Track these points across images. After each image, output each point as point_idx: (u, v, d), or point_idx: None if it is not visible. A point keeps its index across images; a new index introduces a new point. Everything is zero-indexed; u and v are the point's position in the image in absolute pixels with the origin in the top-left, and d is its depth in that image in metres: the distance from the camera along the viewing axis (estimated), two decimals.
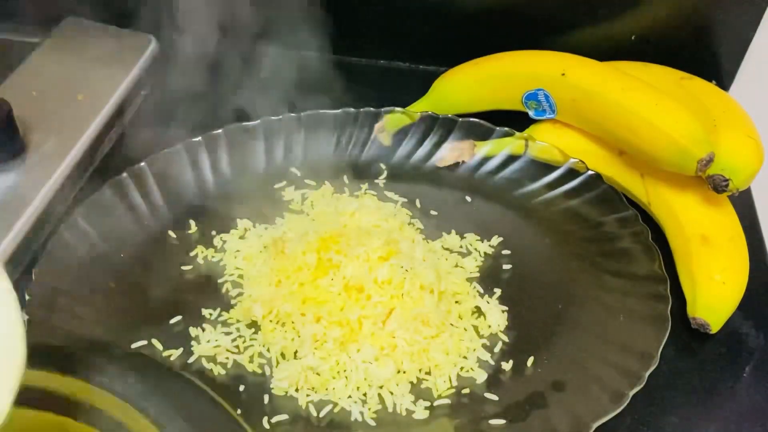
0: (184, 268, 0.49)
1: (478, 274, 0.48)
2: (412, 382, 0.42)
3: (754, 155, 0.48)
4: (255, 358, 0.43)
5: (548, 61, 0.56)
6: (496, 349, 0.44)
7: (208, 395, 0.28)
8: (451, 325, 0.44)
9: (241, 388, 0.42)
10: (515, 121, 0.57)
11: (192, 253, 0.50)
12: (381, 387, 0.42)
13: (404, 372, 0.42)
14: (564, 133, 0.56)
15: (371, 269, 0.43)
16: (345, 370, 0.42)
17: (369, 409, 0.41)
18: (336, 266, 0.44)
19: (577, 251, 0.49)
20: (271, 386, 0.42)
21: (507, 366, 0.43)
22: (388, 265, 0.44)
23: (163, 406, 0.26)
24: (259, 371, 0.43)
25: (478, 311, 0.46)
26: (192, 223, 0.51)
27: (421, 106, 0.60)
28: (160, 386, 0.27)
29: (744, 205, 0.54)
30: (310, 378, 0.42)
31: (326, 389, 0.42)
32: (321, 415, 0.41)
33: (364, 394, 0.41)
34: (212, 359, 0.43)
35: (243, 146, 0.56)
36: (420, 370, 0.42)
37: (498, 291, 0.47)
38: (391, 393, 0.42)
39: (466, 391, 0.42)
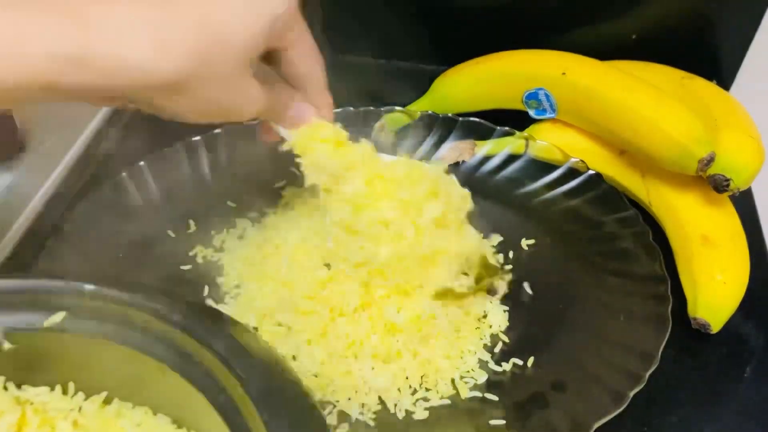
0: (183, 267, 0.49)
1: None
2: (411, 385, 0.42)
3: (754, 155, 0.48)
4: None
5: (548, 60, 0.55)
6: (497, 350, 0.44)
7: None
8: (456, 332, 0.44)
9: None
10: (515, 120, 0.57)
11: (191, 253, 0.49)
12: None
13: (406, 378, 0.42)
14: (564, 133, 0.56)
15: (373, 287, 0.43)
16: (345, 375, 0.42)
17: (369, 409, 0.41)
18: (339, 281, 0.44)
19: (577, 251, 0.49)
20: None
21: (507, 366, 0.43)
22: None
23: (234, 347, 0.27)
24: None
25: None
26: (191, 222, 0.51)
27: (421, 106, 0.60)
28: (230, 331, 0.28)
29: (745, 204, 0.54)
30: (309, 380, 0.42)
31: (326, 392, 0.41)
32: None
33: (365, 394, 0.41)
34: None
35: (243, 146, 0.55)
36: (422, 377, 0.42)
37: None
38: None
39: (466, 391, 0.42)
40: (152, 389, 0.30)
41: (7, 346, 0.29)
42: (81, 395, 0.31)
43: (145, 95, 0.30)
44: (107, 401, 0.31)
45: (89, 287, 0.29)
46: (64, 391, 0.31)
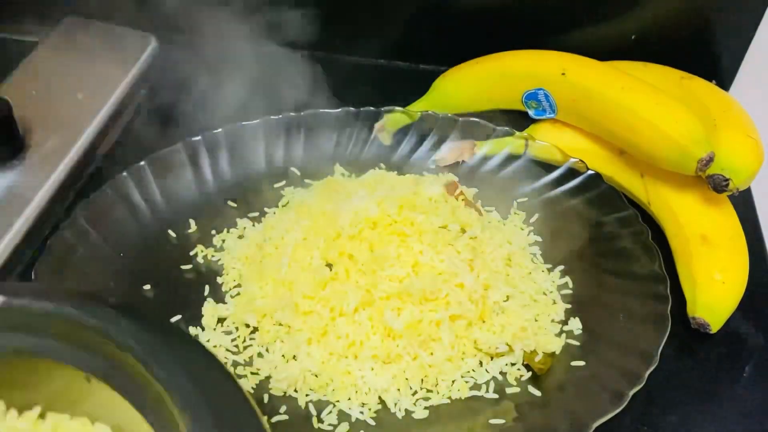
0: (183, 267, 0.49)
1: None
2: (412, 386, 0.42)
3: (754, 155, 0.48)
4: (254, 358, 0.43)
5: (548, 60, 0.55)
6: (497, 350, 0.44)
7: (217, 361, 0.27)
8: (457, 336, 0.44)
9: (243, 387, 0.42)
10: (515, 120, 0.57)
11: (191, 253, 0.50)
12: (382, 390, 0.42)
13: (406, 379, 0.42)
14: (564, 133, 0.56)
15: (376, 284, 0.43)
16: (345, 375, 0.42)
17: (369, 409, 0.41)
18: (339, 279, 0.44)
19: (577, 251, 0.49)
20: (270, 387, 0.42)
21: (507, 366, 0.43)
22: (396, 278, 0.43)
23: (171, 365, 0.26)
24: (259, 371, 0.43)
25: None
26: (192, 222, 0.51)
27: (421, 106, 0.60)
28: (168, 344, 0.27)
29: (744, 205, 0.54)
30: (309, 380, 0.42)
31: (325, 391, 0.42)
32: (321, 415, 0.41)
33: (365, 394, 0.41)
34: None
35: (243, 146, 0.55)
36: (422, 380, 0.42)
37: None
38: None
39: (466, 391, 0.42)
40: (84, 399, 0.28)
41: None
42: (13, 413, 0.30)
43: None
44: (42, 416, 0.30)
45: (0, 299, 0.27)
46: None
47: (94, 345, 0.27)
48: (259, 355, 0.44)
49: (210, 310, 0.46)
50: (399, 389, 0.42)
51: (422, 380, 0.42)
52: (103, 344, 0.26)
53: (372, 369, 0.42)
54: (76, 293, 0.29)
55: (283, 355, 0.43)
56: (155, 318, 0.29)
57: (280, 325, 0.44)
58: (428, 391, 0.42)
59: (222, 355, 0.44)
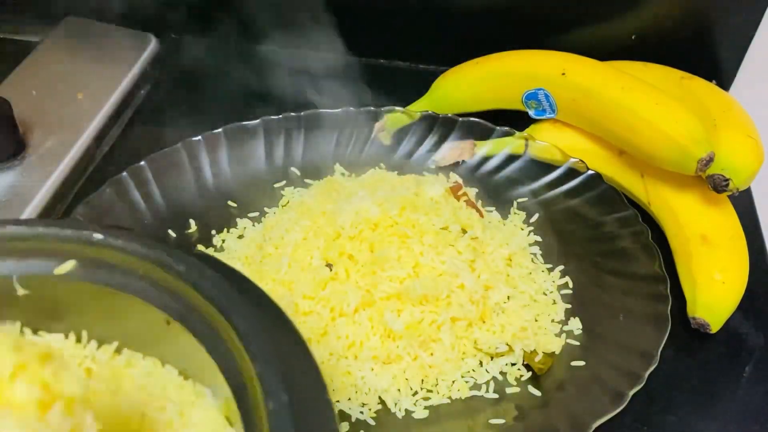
0: None
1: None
2: (412, 387, 0.42)
3: (754, 155, 0.48)
4: None
5: (548, 60, 0.55)
6: (497, 350, 0.44)
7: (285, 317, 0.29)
8: (457, 336, 0.44)
9: None
10: (515, 120, 0.57)
11: None
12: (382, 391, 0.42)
13: (406, 379, 0.42)
14: (564, 133, 0.56)
15: (376, 285, 0.43)
16: (345, 375, 0.42)
17: (369, 409, 0.41)
18: (339, 280, 0.44)
19: (577, 251, 0.49)
20: None
21: (507, 366, 0.43)
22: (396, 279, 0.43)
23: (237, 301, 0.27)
24: None
25: None
26: (192, 222, 0.51)
27: (421, 106, 0.60)
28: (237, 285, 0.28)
29: (744, 204, 0.54)
30: None
31: None
32: None
33: (365, 394, 0.41)
34: None
35: (243, 146, 0.55)
36: (422, 380, 0.42)
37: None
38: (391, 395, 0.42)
39: (466, 391, 0.42)
40: (159, 340, 0.30)
41: (21, 291, 0.30)
42: (93, 344, 0.32)
43: None
44: (118, 351, 0.32)
45: (97, 236, 0.29)
46: (78, 339, 0.31)
47: (179, 290, 0.28)
48: None
49: None
50: (399, 389, 0.42)
51: (422, 380, 0.42)
52: (187, 291, 0.28)
53: (372, 369, 0.42)
54: (168, 244, 0.30)
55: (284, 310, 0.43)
56: (236, 274, 0.30)
57: None
58: (428, 391, 0.42)
59: None
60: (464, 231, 0.46)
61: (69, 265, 0.29)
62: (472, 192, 0.53)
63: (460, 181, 0.53)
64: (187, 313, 0.28)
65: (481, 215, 0.50)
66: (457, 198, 0.50)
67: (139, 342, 0.31)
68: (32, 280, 0.29)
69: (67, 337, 0.32)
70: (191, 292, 0.28)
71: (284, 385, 0.24)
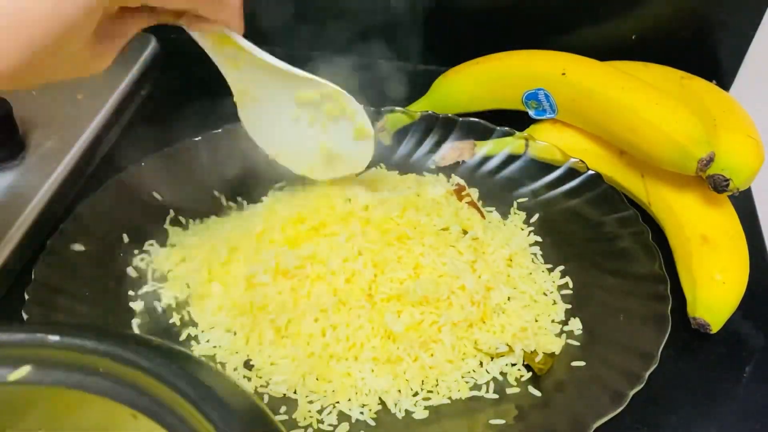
0: None
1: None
2: (413, 387, 0.42)
3: (754, 155, 0.48)
4: (254, 359, 0.43)
5: (548, 60, 0.56)
6: (497, 350, 0.44)
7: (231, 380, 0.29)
8: (458, 338, 0.44)
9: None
10: (515, 120, 0.57)
11: None
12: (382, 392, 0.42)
13: (406, 380, 0.42)
14: (564, 133, 0.56)
15: (377, 286, 0.43)
16: (345, 377, 0.42)
17: (369, 409, 0.41)
18: (342, 281, 0.44)
19: (577, 251, 0.49)
20: (270, 387, 0.42)
21: (507, 366, 0.43)
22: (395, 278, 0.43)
23: (203, 390, 0.27)
24: (259, 371, 0.43)
25: None
26: (191, 222, 0.51)
27: (421, 106, 0.60)
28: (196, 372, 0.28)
29: (744, 205, 0.54)
30: (309, 382, 0.42)
31: (325, 392, 0.41)
32: (321, 416, 0.41)
33: (366, 395, 0.41)
34: (212, 359, 0.43)
35: (243, 146, 0.55)
36: (422, 381, 0.42)
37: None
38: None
39: (466, 391, 0.42)
40: None
41: None
42: None
43: None
44: None
45: (53, 338, 0.29)
46: None
47: (143, 384, 0.28)
48: (259, 356, 0.43)
49: (211, 309, 0.46)
50: (399, 390, 0.42)
51: (423, 381, 0.42)
52: (153, 384, 0.28)
53: (372, 371, 0.42)
54: (128, 336, 0.30)
55: (282, 357, 0.43)
56: (205, 367, 0.30)
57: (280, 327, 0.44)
58: (429, 391, 0.42)
59: (221, 356, 0.44)
60: (465, 232, 0.46)
61: (23, 371, 0.28)
62: (473, 193, 0.53)
63: (463, 182, 0.53)
64: (154, 406, 0.27)
65: (483, 216, 0.50)
66: (460, 199, 0.50)
67: None
68: None
69: None
70: (157, 385, 0.27)
71: None
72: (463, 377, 0.43)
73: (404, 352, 0.42)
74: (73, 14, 0.30)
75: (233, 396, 0.28)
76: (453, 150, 0.56)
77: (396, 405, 0.41)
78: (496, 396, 0.42)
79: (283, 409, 0.41)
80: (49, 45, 0.30)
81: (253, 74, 0.43)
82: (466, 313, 0.43)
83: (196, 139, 0.54)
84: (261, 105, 0.45)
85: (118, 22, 0.35)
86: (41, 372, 0.28)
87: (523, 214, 0.52)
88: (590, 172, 0.52)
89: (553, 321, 0.45)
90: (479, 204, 0.52)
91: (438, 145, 0.56)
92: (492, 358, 0.43)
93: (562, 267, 0.49)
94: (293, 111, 0.45)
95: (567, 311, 0.46)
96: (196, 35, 0.41)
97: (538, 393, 0.42)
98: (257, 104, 0.45)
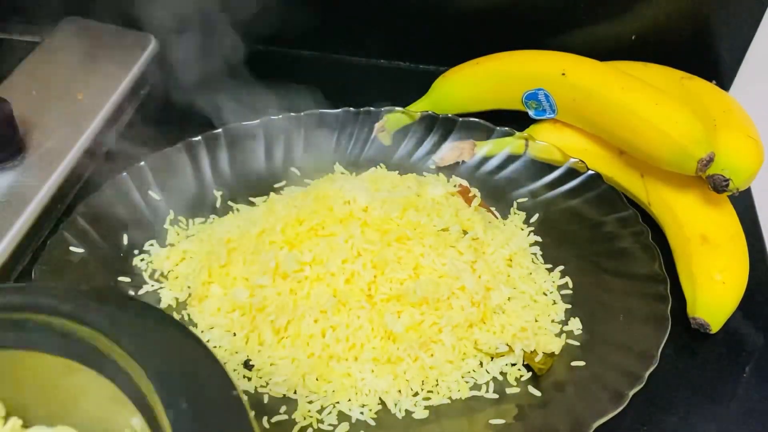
0: None
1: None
2: (413, 388, 0.42)
3: (754, 155, 0.48)
4: (253, 359, 0.43)
5: (548, 60, 0.56)
6: (497, 350, 0.44)
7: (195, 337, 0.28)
8: (458, 339, 0.44)
9: (241, 388, 0.42)
10: (515, 120, 0.57)
11: None
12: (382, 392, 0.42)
13: (407, 380, 0.42)
14: (564, 133, 0.56)
15: (376, 286, 0.43)
16: (344, 377, 0.42)
17: (370, 409, 0.41)
18: (342, 281, 0.44)
19: (577, 251, 0.49)
20: (270, 388, 0.42)
21: (507, 366, 0.43)
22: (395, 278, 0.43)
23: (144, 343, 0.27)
24: (259, 371, 0.43)
25: None
26: (191, 222, 0.51)
27: (421, 106, 0.60)
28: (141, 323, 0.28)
29: (744, 205, 0.54)
30: (309, 383, 0.42)
31: (325, 392, 0.41)
32: (321, 415, 0.41)
33: (366, 395, 0.41)
34: None
35: (243, 146, 0.55)
36: (423, 382, 0.42)
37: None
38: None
39: (466, 391, 0.42)
40: (62, 387, 0.29)
41: None
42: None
43: None
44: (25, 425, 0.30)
45: None
46: None
47: (68, 330, 0.28)
48: (259, 356, 0.43)
49: (211, 309, 0.45)
50: (400, 390, 0.42)
51: (423, 381, 0.42)
52: (76, 328, 0.27)
53: (372, 371, 0.42)
54: (50, 286, 0.30)
55: (282, 358, 0.43)
56: (132, 301, 0.30)
57: (280, 327, 0.44)
58: (429, 391, 0.42)
59: (221, 356, 0.44)
60: (465, 232, 0.46)
61: None
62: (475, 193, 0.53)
63: (466, 183, 0.53)
64: (84, 353, 0.27)
65: (496, 217, 0.50)
66: (468, 201, 0.50)
67: (44, 394, 0.30)
68: None
69: None
70: (81, 329, 0.27)
71: (183, 392, 0.24)
72: (463, 377, 0.43)
73: (404, 352, 0.42)
74: None
75: (161, 323, 0.28)
76: (453, 150, 0.56)
77: (396, 405, 0.41)
78: (496, 396, 0.42)
79: (282, 408, 0.41)
80: None
81: None
82: (467, 314, 0.43)
83: (196, 139, 0.54)
84: None
85: None
86: None
87: (523, 214, 0.53)
88: (590, 172, 0.52)
89: (553, 321, 0.45)
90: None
91: (438, 145, 0.56)
92: (492, 358, 0.43)
93: (562, 267, 0.49)
94: None
95: (567, 311, 0.46)
96: None
97: (538, 393, 0.42)
98: None
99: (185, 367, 0.26)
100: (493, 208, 0.53)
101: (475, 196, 0.51)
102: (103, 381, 0.27)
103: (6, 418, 0.30)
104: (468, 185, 0.53)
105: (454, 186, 0.52)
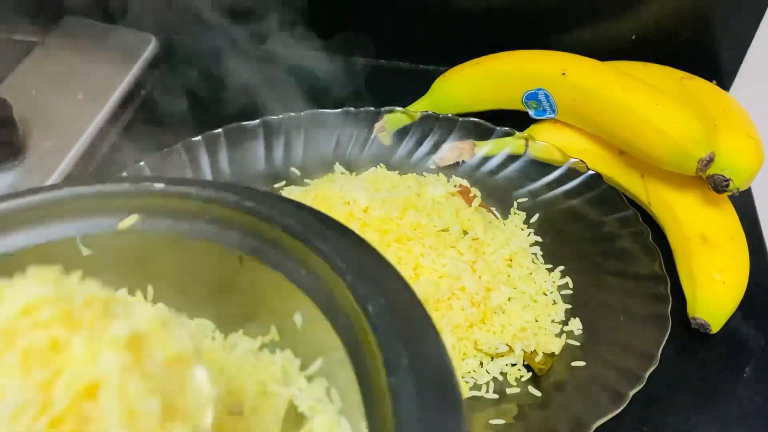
0: None
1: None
2: None
3: (754, 155, 0.48)
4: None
5: (548, 60, 0.55)
6: (497, 350, 0.44)
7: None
8: (458, 338, 0.44)
9: None
10: (515, 120, 0.57)
11: None
12: None
13: None
14: (564, 133, 0.56)
15: None
16: None
17: None
18: None
19: (577, 251, 0.49)
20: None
21: (507, 366, 0.43)
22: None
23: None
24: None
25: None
26: None
27: (421, 106, 0.60)
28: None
29: (744, 205, 0.54)
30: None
31: None
32: None
33: None
34: None
35: (243, 146, 0.55)
36: None
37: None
38: None
39: (466, 391, 0.42)
40: (241, 289, 0.29)
41: (85, 251, 0.29)
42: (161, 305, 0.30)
43: None
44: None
45: (159, 186, 0.28)
46: (145, 297, 0.30)
47: (250, 226, 0.27)
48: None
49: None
50: None
51: None
52: (258, 224, 0.27)
53: None
54: (232, 184, 0.29)
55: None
56: (306, 207, 0.29)
57: None
58: None
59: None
60: (465, 232, 0.46)
61: (131, 219, 0.28)
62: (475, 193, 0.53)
63: (466, 183, 0.53)
64: (260, 246, 0.26)
65: (497, 217, 0.50)
66: (469, 202, 0.50)
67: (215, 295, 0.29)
68: (96, 239, 0.28)
69: (133, 294, 0.30)
70: (263, 225, 0.26)
71: (378, 289, 0.23)
72: (463, 377, 0.43)
73: None
74: None
75: (341, 234, 0.26)
76: (453, 150, 0.56)
77: None
78: (496, 396, 0.42)
79: None
80: None
81: None
82: (467, 314, 0.43)
83: (196, 139, 0.54)
84: None
85: None
86: (149, 221, 0.28)
87: (523, 214, 0.52)
88: (590, 172, 0.52)
89: (553, 321, 0.45)
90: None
91: (438, 145, 0.56)
92: (492, 358, 0.43)
93: (562, 267, 0.49)
94: None
95: (567, 311, 0.46)
96: None
97: (538, 393, 0.42)
98: None
99: (375, 274, 0.25)
100: (493, 208, 0.52)
101: (475, 196, 0.51)
102: (276, 277, 0.26)
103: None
104: (468, 185, 0.53)
105: (455, 186, 0.52)
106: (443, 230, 0.45)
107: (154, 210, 0.28)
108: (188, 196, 0.28)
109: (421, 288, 0.42)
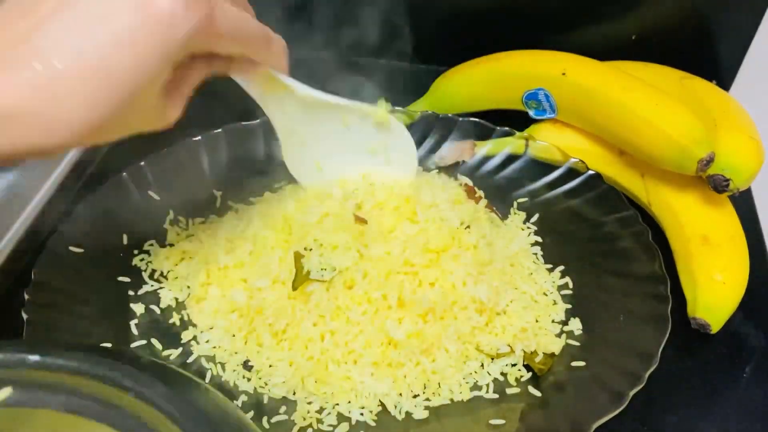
0: None
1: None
2: (413, 390, 0.42)
3: (754, 155, 0.48)
4: (253, 360, 0.43)
5: (548, 60, 0.56)
6: (498, 351, 0.44)
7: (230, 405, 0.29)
8: (461, 342, 0.44)
9: (241, 388, 0.42)
10: (515, 120, 0.57)
11: None
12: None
13: (407, 384, 0.42)
14: (564, 133, 0.56)
15: (378, 286, 0.43)
16: (344, 380, 0.42)
17: (370, 411, 0.41)
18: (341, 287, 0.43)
19: (577, 251, 0.49)
20: (269, 389, 0.42)
21: (507, 367, 0.43)
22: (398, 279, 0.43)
23: (188, 410, 0.26)
24: (259, 372, 0.43)
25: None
26: (191, 222, 0.51)
27: (421, 106, 0.60)
28: (183, 392, 0.28)
29: (744, 205, 0.54)
30: (308, 385, 0.41)
31: (325, 394, 0.41)
32: (321, 416, 0.41)
33: (365, 398, 0.41)
34: (211, 359, 0.43)
35: (243, 146, 0.55)
36: (424, 385, 0.42)
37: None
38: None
39: (467, 391, 0.42)
40: None
41: None
42: None
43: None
44: None
45: (33, 358, 0.28)
46: None
47: (127, 405, 0.27)
48: (258, 357, 0.43)
49: (210, 310, 0.46)
50: (401, 393, 0.42)
51: (424, 385, 0.42)
52: (137, 405, 0.27)
53: (372, 374, 0.42)
54: (111, 352, 0.30)
55: (280, 360, 0.43)
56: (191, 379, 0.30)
57: (279, 330, 0.44)
58: (430, 393, 0.42)
59: (221, 356, 0.44)
60: (469, 231, 0.46)
61: (5, 392, 0.27)
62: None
63: (470, 182, 0.53)
64: (138, 428, 0.27)
65: (498, 216, 0.50)
66: (476, 201, 0.49)
67: None
68: None
69: None
70: (141, 406, 0.27)
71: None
72: (464, 378, 0.43)
73: (405, 357, 0.42)
74: (154, 64, 0.30)
75: (220, 417, 0.28)
76: (453, 150, 0.56)
77: (396, 407, 0.41)
78: (496, 396, 0.42)
79: (282, 409, 0.41)
80: (133, 96, 0.30)
81: (298, 113, 0.43)
82: (472, 322, 0.43)
83: (196, 139, 0.54)
84: (308, 146, 0.45)
85: (183, 72, 0.35)
86: (23, 394, 0.27)
87: (523, 214, 0.52)
88: (590, 172, 0.52)
89: (553, 321, 0.45)
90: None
91: (438, 145, 0.56)
92: (492, 359, 0.43)
93: (562, 267, 0.49)
94: (339, 143, 0.45)
95: (567, 311, 0.46)
96: (245, 84, 0.40)
97: (538, 393, 0.42)
98: (304, 147, 0.45)
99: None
100: (494, 209, 0.52)
101: (481, 197, 0.51)
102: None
103: None
104: (472, 184, 0.53)
105: (460, 185, 0.52)
106: (447, 231, 0.45)
107: (29, 382, 0.28)
108: (65, 369, 0.28)
109: (425, 298, 0.42)
